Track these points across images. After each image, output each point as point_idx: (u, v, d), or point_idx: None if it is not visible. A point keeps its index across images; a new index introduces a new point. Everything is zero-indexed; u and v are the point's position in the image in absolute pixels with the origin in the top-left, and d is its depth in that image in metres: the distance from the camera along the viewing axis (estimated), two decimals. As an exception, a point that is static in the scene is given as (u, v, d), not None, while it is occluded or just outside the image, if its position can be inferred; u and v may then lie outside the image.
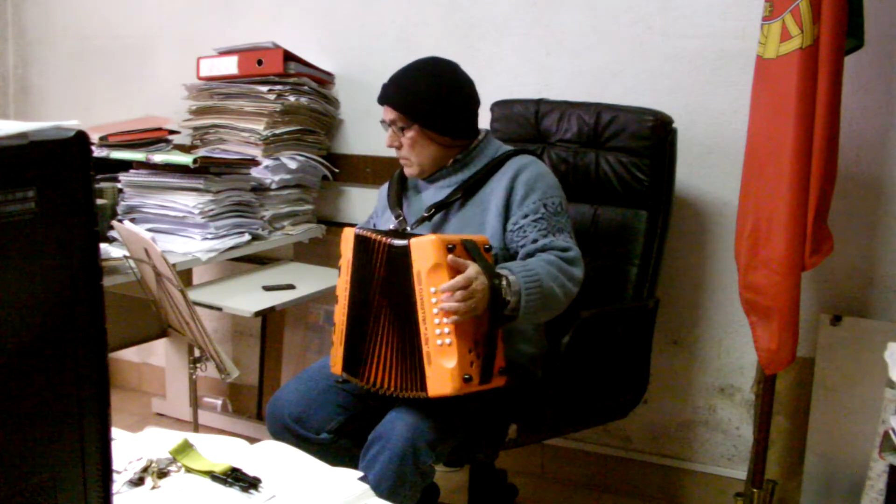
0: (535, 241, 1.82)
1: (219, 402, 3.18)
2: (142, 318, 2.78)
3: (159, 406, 3.24)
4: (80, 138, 0.73)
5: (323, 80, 2.81)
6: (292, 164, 2.67)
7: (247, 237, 2.50)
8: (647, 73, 2.44)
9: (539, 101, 2.34)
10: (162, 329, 2.85)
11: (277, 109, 2.62)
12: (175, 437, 1.28)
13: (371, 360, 1.77)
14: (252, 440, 1.40)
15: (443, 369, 1.63)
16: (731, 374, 2.47)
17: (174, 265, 1.96)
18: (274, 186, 2.64)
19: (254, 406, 3.13)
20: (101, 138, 2.60)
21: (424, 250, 1.66)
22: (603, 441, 2.65)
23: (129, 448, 1.26)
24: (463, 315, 1.62)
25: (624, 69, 2.47)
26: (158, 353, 3.35)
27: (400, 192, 2.03)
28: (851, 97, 2.17)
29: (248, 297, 2.32)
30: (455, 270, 1.64)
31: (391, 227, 1.93)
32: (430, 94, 1.88)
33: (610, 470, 2.65)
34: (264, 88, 2.63)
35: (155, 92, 3.16)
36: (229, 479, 1.19)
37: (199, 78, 2.79)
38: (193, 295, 2.18)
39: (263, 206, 2.61)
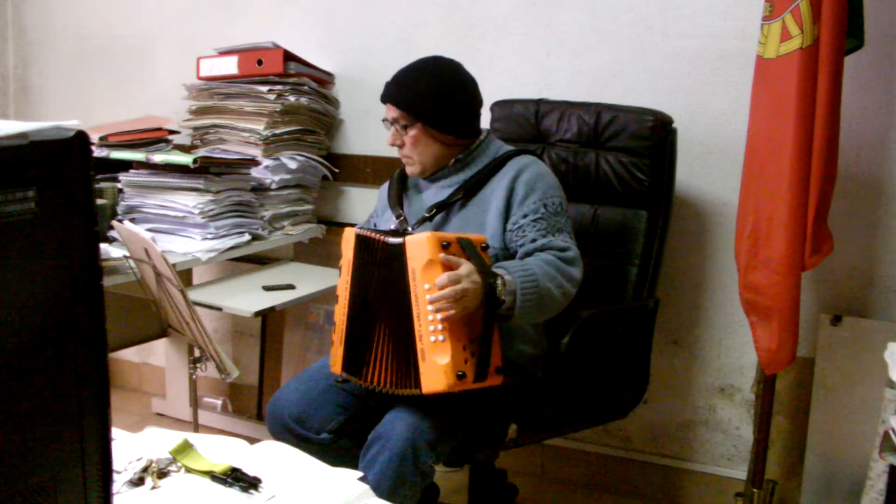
0: (533, 240, 1.82)
1: (219, 402, 3.18)
2: (142, 318, 2.78)
3: (159, 406, 3.24)
4: (80, 138, 0.73)
5: (323, 80, 2.81)
6: (292, 164, 2.67)
7: (247, 237, 2.50)
8: (647, 73, 2.44)
9: (539, 101, 2.34)
10: (162, 329, 2.85)
11: (277, 109, 2.62)
12: (175, 437, 1.28)
13: (370, 359, 1.77)
14: (252, 440, 1.40)
15: (436, 366, 1.64)
16: (731, 374, 2.47)
17: (174, 265, 1.95)
18: (274, 186, 2.64)
19: (254, 406, 3.13)
20: (101, 138, 2.60)
21: (419, 247, 1.67)
22: (603, 441, 2.65)
23: (129, 448, 1.26)
24: (453, 313, 1.62)
25: (624, 69, 2.47)
26: (158, 353, 3.35)
27: (400, 191, 2.03)
28: (851, 97, 2.17)
29: (248, 297, 2.32)
30: (448, 268, 1.65)
31: (392, 227, 1.93)
32: (434, 93, 1.88)
33: (610, 470, 2.65)
34: (264, 88, 2.63)
35: (155, 92, 3.16)
36: (229, 479, 1.19)
37: (199, 78, 2.79)
38: (193, 295, 2.18)
39: (263, 206, 2.61)
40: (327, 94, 2.83)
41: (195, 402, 2.32)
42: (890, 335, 1.98)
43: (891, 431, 1.47)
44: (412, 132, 1.90)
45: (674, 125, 2.21)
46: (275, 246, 2.69)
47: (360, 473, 1.26)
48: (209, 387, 3.21)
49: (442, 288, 1.62)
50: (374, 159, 2.81)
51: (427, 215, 1.90)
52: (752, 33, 2.09)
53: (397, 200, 2.00)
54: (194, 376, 2.21)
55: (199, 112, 2.77)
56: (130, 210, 2.47)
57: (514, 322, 1.76)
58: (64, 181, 0.72)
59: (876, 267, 2.29)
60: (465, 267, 1.65)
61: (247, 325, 3.14)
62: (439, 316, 1.63)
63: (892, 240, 2.26)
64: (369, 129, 2.79)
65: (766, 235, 1.98)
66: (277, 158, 2.65)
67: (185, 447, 1.26)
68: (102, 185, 2.47)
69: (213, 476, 1.20)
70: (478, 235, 1.77)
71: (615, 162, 2.20)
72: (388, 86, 1.93)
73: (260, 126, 2.61)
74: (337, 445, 1.86)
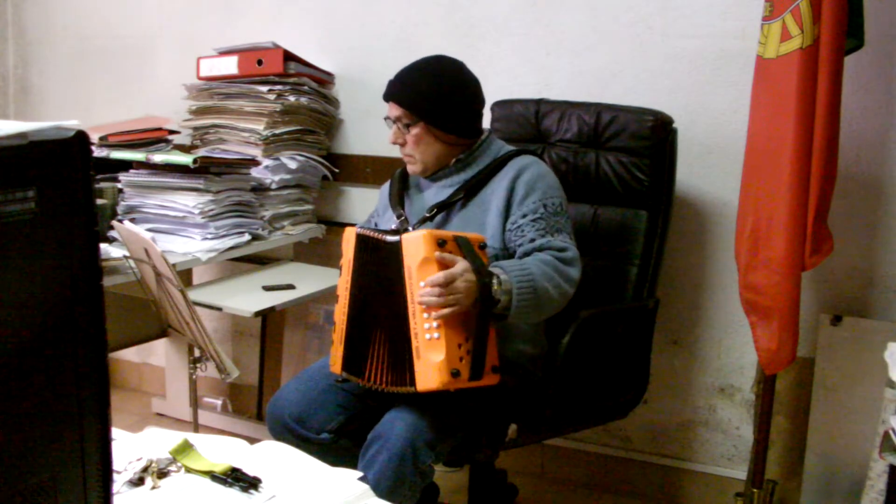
0: (532, 240, 1.82)
1: (219, 402, 3.18)
2: (142, 318, 2.78)
3: (159, 406, 3.24)
4: (80, 138, 0.73)
5: (323, 80, 2.81)
6: (292, 164, 2.67)
7: (247, 237, 2.50)
8: (647, 73, 2.44)
9: (539, 101, 2.34)
10: (162, 329, 2.85)
11: (277, 109, 2.62)
12: (175, 437, 1.28)
13: (370, 358, 1.77)
14: (252, 440, 1.40)
15: (430, 363, 1.64)
16: (731, 374, 2.47)
17: (174, 265, 1.96)
18: (274, 186, 2.64)
19: (254, 406, 3.13)
20: (101, 138, 2.60)
21: (415, 245, 1.67)
22: (603, 441, 2.65)
23: (129, 448, 1.26)
24: (446, 311, 1.62)
25: (624, 69, 2.47)
26: (158, 353, 3.35)
27: (401, 191, 2.03)
28: (851, 97, 2.17)
29: (248, 297, 2.32)
30: (444, 266, 1.65)
31: (393, 226, 1.93)
32: (437, 93, 1.88)
33: (610, 470, 2.65)
34: (264, 88, 2.63)
35: (155, 92, 3.16)
36: (229, 480, 1.19)
37: (199, 78, 2.79)
38: (193, 295, 2.18)
39: (263, 206, 2.61)
40: (327, 94, 2.83)
41: (195, 402, 2.32)
42: (890, 335, 1.98)
43: (891, 431, 1.47)
44: (414, 131, 1.90)
45: (674, 125, 2.21)
46: (275, 246, 2.69)
47: (359, 473, 1.26)
48: (209, 387, 3.21)
49: (433, 286, 1.62)
50: (374, 159, 2.81)
51: (428, 215, 1.90)
52: (752, 33, 2.09)
53: (398, 200, 2.00)
54: (194, 376, 2.21)
55: (199, 112, 2.77)
56: (130, 210, 2.47)
57: (511, 321, 1.76)
58: (64, 181, 0.72)
59: (876, 267, 2.29)
60: (460, 265, 1.65)
61: (247, 325, 3.14)
62: (434, 314, 1.63)
63: (892, 240, 2.26)
64: (369, 129, 2.79)
65: (766, 235, 1.98)
66: (277, 158, 2.65)
67: (185, 447, 1.26)
68: (102, 185, 2.47)
69: (213, 476, 1.20)
70: (476, 234, 1.77)
71: (615, 162, 2.20)
72: (392, 84, 1.93)
73: (260, 126, 2.61)
74: (337, 445, 1.86)
